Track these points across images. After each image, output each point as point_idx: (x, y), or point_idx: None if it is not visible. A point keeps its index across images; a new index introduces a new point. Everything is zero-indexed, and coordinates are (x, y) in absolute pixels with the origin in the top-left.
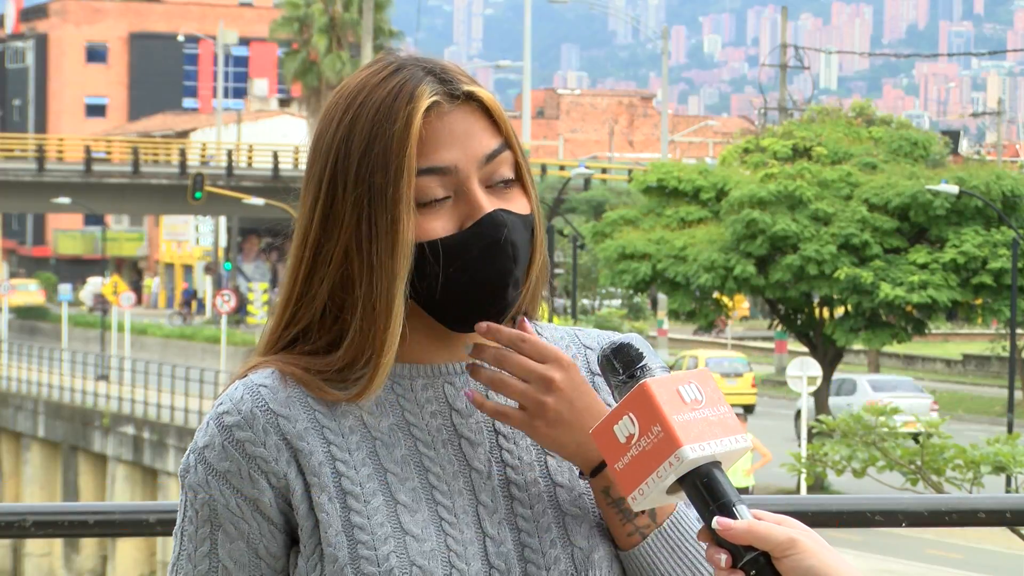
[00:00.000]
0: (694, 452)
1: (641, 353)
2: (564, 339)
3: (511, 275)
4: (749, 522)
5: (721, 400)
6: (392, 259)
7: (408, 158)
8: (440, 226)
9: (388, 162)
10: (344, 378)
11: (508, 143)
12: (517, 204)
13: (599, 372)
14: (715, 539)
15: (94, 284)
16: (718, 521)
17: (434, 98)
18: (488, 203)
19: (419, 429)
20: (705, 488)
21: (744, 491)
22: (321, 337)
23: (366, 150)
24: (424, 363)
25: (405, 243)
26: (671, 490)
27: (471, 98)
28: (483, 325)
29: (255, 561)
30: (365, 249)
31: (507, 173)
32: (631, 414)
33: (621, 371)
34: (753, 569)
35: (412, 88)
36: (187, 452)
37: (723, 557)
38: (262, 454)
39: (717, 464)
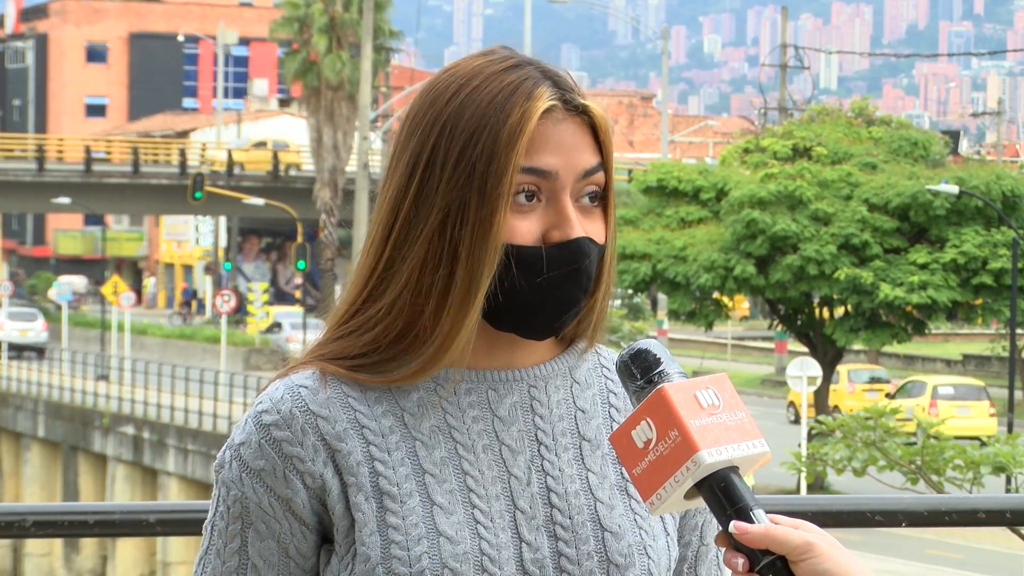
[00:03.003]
0: (711, 456)
1: (659, 358)
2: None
3: (578, 303)
4: (766, 526)
5: (739, 405)
6: (484, 249)
7: (516, 154)
8: (526, 227)
9: (495, 153)
10: (393, 357)
11: (605, 164)
12: (596, 229)
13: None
14: (732, 543)
15: (69, 283)
16: (735, 525)
17: (553, 102)
18: (579, 225)
19: (460, 433)
20: (722, 493)
21: None
22: (392, 314)
23: (473, 135)
24: (470, 368)
25: (497, 235)
26: (689, 495)
27: (583, 112)
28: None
29: (284, 560)
30: (449, 234)
31: (595, 191)
32: (649, 419)
33: (639, 376)
34: (770, 573)
35: (531, 87)
36: (223, 448)
37: (740, 561)
38: (299, 454)
39: (735, 469)
